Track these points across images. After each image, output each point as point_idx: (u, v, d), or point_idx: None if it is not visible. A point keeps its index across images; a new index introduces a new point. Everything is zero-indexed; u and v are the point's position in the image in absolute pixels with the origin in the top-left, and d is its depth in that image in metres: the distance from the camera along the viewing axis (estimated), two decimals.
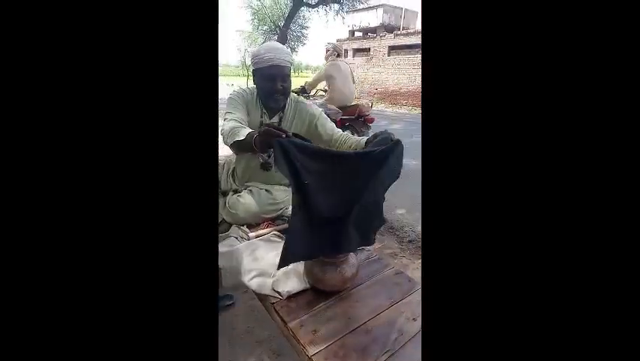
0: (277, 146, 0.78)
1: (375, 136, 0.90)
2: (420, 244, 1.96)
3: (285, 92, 1.12)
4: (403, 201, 2.59)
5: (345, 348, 0.70)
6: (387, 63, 11.17)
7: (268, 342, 1.26)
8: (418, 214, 2.35)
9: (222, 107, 1.06)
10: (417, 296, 0.87)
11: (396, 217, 2.33)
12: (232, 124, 1.02)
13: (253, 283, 0.89)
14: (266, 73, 1.09)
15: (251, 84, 1.30)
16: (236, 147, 0.98)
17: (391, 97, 11.06)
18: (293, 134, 0.82)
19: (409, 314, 0.80)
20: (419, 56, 9.93)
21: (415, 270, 1.72)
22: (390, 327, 0.76)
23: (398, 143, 0.82)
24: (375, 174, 0.81)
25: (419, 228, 2.14)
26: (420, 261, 1.80)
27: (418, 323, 0.77)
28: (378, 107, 9.87)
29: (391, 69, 11.04)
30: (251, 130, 0.96)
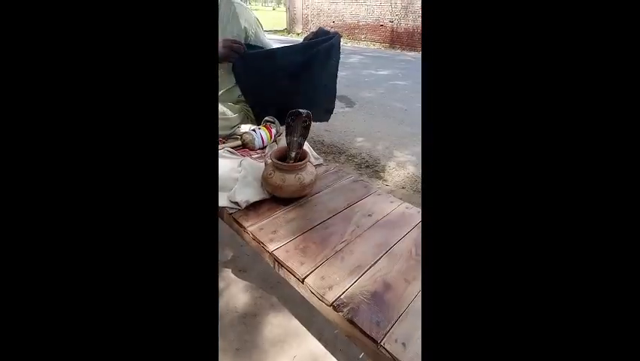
0: (239, 62, 0.98)
1: (314, 33, 1.07)
2: (376, 168, 2.04)
3: None
4: (362, 131, 2.62)
5: (306, 241, 0.73)
6: None
7: (232, 261, 1.29)
8: (374, 142, 2.41)
9: None
10: (372, 198, 0.92)
11: (355, 145, 2.37)
12: None
13: None
14: None
15: None
16: None
17: (349, 30, 10.49)
18: (246, 44, 1.01)
19: (364, 212, 0.85)
20: None
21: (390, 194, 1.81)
22: (347, 222, 0.80)
23: (335, 35, 1.05)
24: (317, 59, 1.04)
25: (376, 155, 2.21)
26: (379, 181, 1.89)
27: (373, 218, 0.82)
28: None
29: (349, 0, 10.28)
30: None
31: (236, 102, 1.13)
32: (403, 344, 0.51)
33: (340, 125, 2.70)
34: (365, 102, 3.40)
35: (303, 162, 0.84)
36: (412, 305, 0.58)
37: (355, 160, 2.13)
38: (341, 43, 1.08)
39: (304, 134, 0.83)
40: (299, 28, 12.28)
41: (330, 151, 2.28)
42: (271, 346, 0.97)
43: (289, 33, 12.55)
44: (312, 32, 1.08)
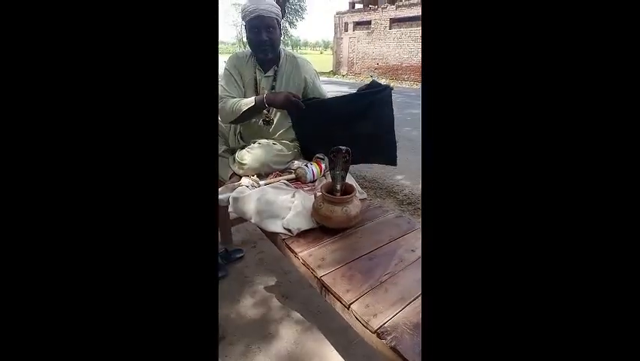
0: (294, 114, 1.17)
1: (367, 85, 1.18)
2: (418, 205, 2.04)
3: (273, 43, 1.16)
4: (403, 169, 2.65)
5: (352, 270, 0.78)
6: (389, 37, 10.89)
7: (277, 287, 1.36)
8: (416, 180, 2.43)
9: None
10: (416, 234, 0.95)
11: (396, 182, 2.40)
12: (231, 101, 1.18)
13: (264, 223, 0.97)
14: (251, 24, 1.13)
15: None
16: (244, 116, 1.17)
17: (392, 72, 10.86)
18: (302, 100, 1.14)
19: (408, 247, 0.89)
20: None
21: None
22: (391, 256, 0.84)
23: (387, 87, 1.15)
24: (371, 109, 1.15)
25: (417, 192, 2.22)
26: (418, 219, 1.89)
27: (416, 254, 0.85)
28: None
29: (393, 43, 10.78)
30: (252, 97, 1.17)
31: (292, 141, 1.27)
32: None
33: None
34: (406, 140, 3.46)
35: (350, 195, 0.92)
36: None
37: (397, 197, 2.16)
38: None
39: (345, 167, 0.92)
40: (344, 70, 13.01)
41: (372, 186, 2.34)
42: None
43: (335, 74, 13.34)
44: (366, 85, 1.21)
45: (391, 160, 1.29)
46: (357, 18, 12.11)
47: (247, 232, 1.74)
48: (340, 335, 1.09)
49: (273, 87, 1.22)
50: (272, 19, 1.13)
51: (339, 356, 1.05)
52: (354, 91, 1.24)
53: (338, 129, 1.16)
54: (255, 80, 1.23)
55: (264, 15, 1.11)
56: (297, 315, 1.21)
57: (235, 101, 1.17)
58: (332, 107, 1.18)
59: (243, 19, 1.15)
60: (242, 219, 1.15)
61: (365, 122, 1.18)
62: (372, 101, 1.17)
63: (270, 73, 1.23)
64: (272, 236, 0.98)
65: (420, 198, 2.12)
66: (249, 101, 1.14)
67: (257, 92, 1.21)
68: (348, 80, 11.00)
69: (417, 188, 2.29)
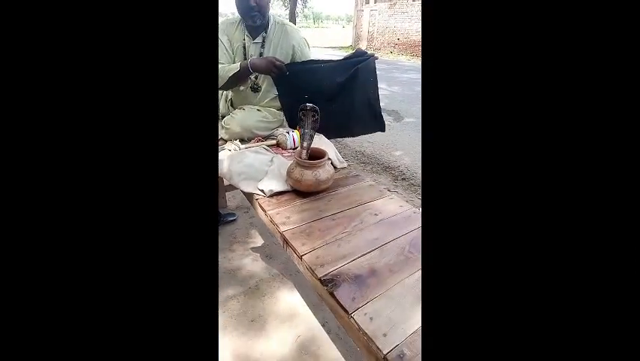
0: (280, 77, 1.14)
1: (353, 54, 1.19)
2: (412, 181, 2.05)
3: (261, 10, 1.17)
4: (405, 145, 2.64)
5: (312, 228, 0.84)
6: (412, 10, 10.32)
7: (262, 248, 1.45)
8: (415, 156, 2.42)
9: None
10: (384, 201, 0.99)
11: (394, 157, 2.40)
12: (219, 67, 1.19)
13: (242, 183, 1.03)
14: None
15: None
16: (231, 82, 1.19)
17: (413, 47, 10.39)
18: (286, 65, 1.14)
19: (372, 211, 0.93)
20: None
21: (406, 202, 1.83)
22: (353, 218, 0.89)
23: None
24: (355, 77, 1.16)
25: (414, 168, 2.22)
26: (414, 194, 1.91)
27: (379, 217, 0.90)
28: (398, 59, 9.37)
29: (415, 16, 10.23)
30: (238, 63, 1.18)
31: (278, 109, 1.30)
32: (371, 318, 0.59)
33: (384, 138, 2.76)
34: (414, 118, 3.40)
35: (321, 160, 0.96)
36: (389, 291, 0.65)
37: (393, 172, 2.17)
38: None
39: (314, 126, 0.95)
40: (363, 45, 12.55)
41: (369, 162, 2.35)
42: (281, 323, 1.08)
43: (353, 50, 12.89)
44: (352, 53, 1.21)
45: (379, 126, 1.30)
46: None
47: (242, 198, 1.82)
48: (313, 294, 1.17)
49: (261, 54, 1.24)
50: None
51: (309, 310, 1.13)
52: None
53: (321, 100, 1.17)
54: (244, 46, 1.25)
55: None
56: (277, 273, 1.29)
57: (223, 67, 1.20)
58: (316, 74, 1.18)
59: None
60: None
61: (349, 93, 1.19)
62: (356, 69, 1.17)
63: (259, 40, 1.25)
64: (249, 196, 1.04)
65: (414, 175, 2.12)
66: (235, 67, 1.17)
67: (245, 59, 1.24)
68: None
69: (414, 165, 2.29)
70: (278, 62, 1.13)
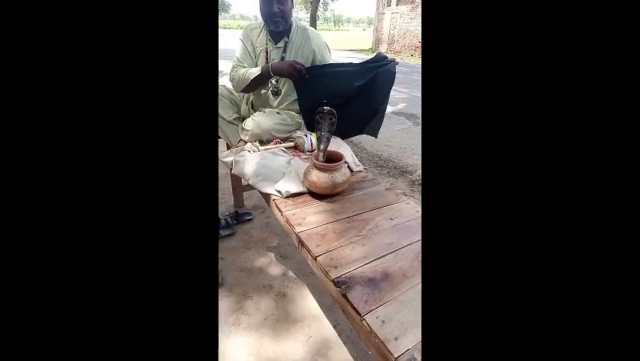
0: (300, 81, 1.16)
1: (372, 59, 1.19)
2: None
3: (284, 15, 1.19)
4: (420, 149, 2.60)
5: (327, 230, 0.85)
6: None
7: (277, 248, 1.47)
8: None
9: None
10: (399, 205, 0.99)
11: (412, 162, 2.38)
12: (241, 71, 1.24)
13: (259, 184, 1.05)
14: None
15: None
16: (252, 85, 1.23)
17: None
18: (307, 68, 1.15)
19: (387, 215, 0.93)
20: None
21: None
22: (368, 221, 0.89)
23: (391, 61, 1.15)
24: (370, 79, 1.16)
25: None
26: None
27: (394, 221, 0.89)
28: (419, 63, 9.24)
29: None
30: (260, 67, 1.22)
31: (298, 112, 1.33)
32: (383, 321, 0.59)
33: (401, 141, 2.74)
34: None
35: (338, 163, 0.97)
36: (402, 296, 0.65)
37: (410, 177, 2.15)
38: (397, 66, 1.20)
39: (331, 129, 0.96)
40: (383, 48, 12.48)
41: (386, 165, 2.34)
42: (292, 323, 1.10)
43: (373, 53, 12.83)
44: (372, 57, 1.21)
45: (373, 131, 1.31)
46: None
47: (258, 198, 1.85)
48: (326, 295, 1.18)
49: (282, 58, 1.27)
50: None
51: (321, 311, 1.14)
52: None
53: (339, 103, 1.19)
54: (267, 50, 1.28)
55: None
56: (291, 274, 1.31)
57: (245, 70, 1.24)
58: (335, 77, 1.19)
59: None
60: None
61: (365, 98, 1.19)
62: (376, 74, 1.17)
63: (281, 44, 1.28)
64: (265, 196, 1.07)
65: None
66: (257, 70, 1.20)
67: (267, 63, 1.27)
68: None
69: None
70: (298, 65, 1.15)
